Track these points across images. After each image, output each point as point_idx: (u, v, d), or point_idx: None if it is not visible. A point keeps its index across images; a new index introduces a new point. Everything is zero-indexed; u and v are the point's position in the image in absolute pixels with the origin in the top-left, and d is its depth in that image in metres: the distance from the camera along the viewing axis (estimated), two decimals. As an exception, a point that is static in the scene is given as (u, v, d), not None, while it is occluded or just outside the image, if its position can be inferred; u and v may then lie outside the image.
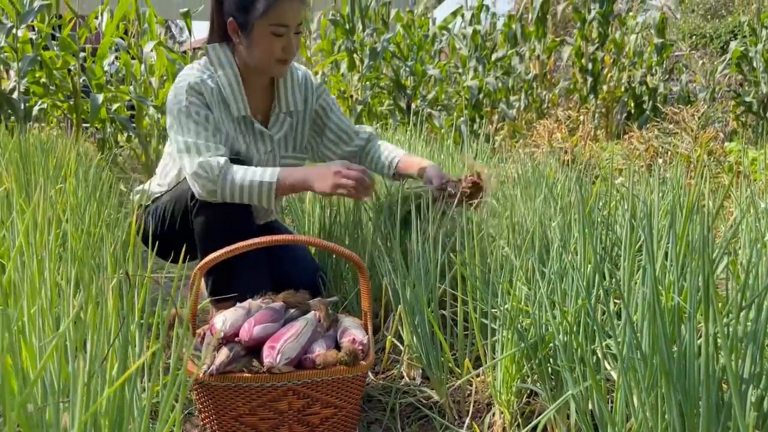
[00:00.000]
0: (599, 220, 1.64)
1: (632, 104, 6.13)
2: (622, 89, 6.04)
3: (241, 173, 1.47)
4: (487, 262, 1.42)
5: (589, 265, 1.22)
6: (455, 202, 1.56)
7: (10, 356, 0.76)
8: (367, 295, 1.33)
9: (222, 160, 1.47)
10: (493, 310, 1.31)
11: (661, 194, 1.76)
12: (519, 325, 1.22)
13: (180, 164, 1.56)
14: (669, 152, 3.40)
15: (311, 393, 1.14)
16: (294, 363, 1.14)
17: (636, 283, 1.16)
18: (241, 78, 1.61)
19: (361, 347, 1.18)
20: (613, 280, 1.31)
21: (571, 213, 1.44)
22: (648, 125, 4.78)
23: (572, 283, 1.21)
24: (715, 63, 6.73)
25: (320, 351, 1.16)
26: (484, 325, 1.32)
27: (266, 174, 1.48)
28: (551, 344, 1.20)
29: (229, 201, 1.49)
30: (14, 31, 4.33)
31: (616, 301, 1.43)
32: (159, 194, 1.68)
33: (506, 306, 1.24)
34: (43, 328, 0.93)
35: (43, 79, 4.83)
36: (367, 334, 1.26)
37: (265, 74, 1.64)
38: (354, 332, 1.23)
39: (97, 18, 4.96)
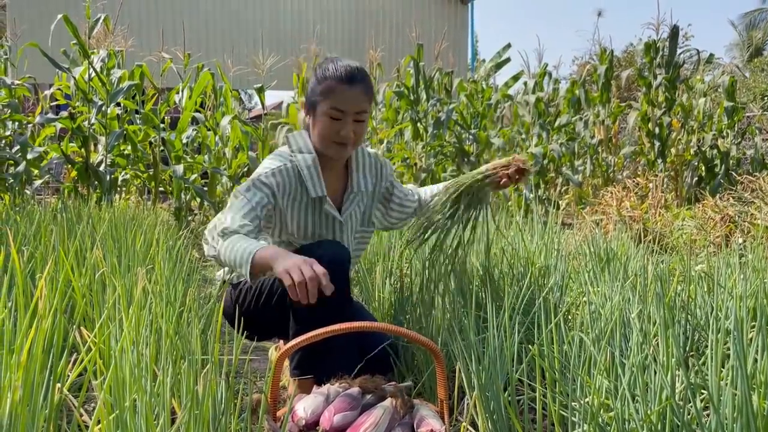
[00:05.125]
0: (679, 304, 1.60)
1: (703, 168, 5.93)
2: (692, 152, 5.89)
3: (239, 240, 1.43)
4: (564, 349, 1.40)
5: (672, 359, 1.19)
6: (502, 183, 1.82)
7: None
8: (443, 383, 1.34)
9: (235, 225, 1.46)
10: (572, 404, 1.29)
11: (742, 275, 1.70)
12: (600, 419, 1.19)
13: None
14: (746, 222, 3.29)
15: (389, 484, 1.15)
16: (373, 453, 1.15)
17: (722, 378, 1.12)
18: (320, 161, 1.70)
19: (438, 438, 1.18)
20: (697, 371, 1.27)
21: (650, 303, 1.42)
22: (721, 191, 4.64)
23: (654, 375, 1.18)
24: (791, 125, 6.53)
25: (398, 441, 1.17)
26: (563, 414, 1.29)
27: (252, 246, 1.41)
28: (635, 440, 1.16)
29: (222, 262, 1.47)
30: (104, 108, 4.67)
31: (702, 391, 1.38)
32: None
33: (587, 400, 1.21)
34: (142, 411, 0.98)
35: (126, 151, 5.16)
36: (444, 423, 1.26)
37: (329, 155, 1.68)
38: (431, 422, 1.23)
39: (177, 94, 5.30)
